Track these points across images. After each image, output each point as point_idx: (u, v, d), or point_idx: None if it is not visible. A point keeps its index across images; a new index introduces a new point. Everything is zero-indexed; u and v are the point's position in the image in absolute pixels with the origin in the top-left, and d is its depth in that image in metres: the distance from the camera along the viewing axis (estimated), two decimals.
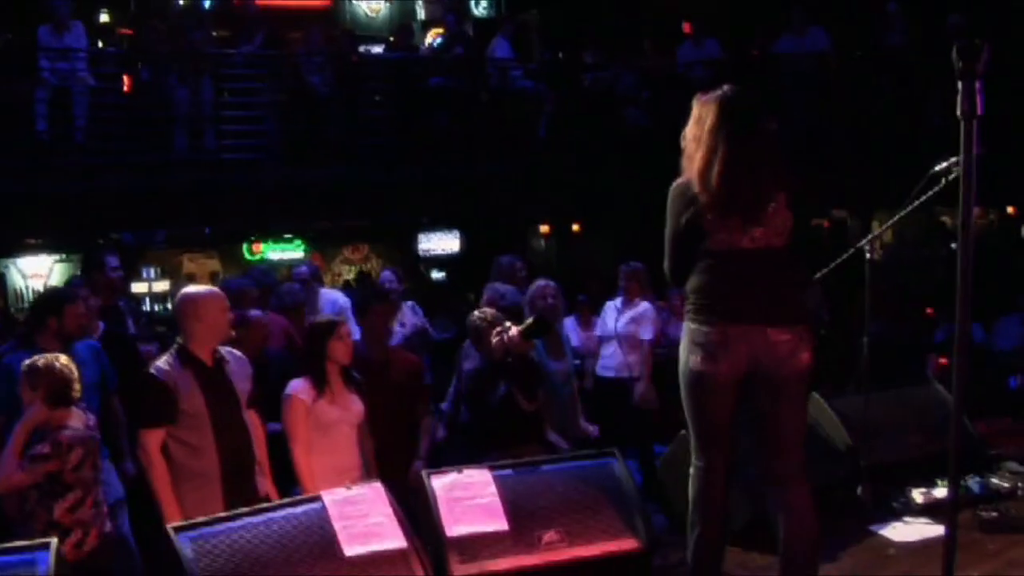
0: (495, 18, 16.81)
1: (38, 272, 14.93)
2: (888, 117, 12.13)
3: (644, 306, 7.79)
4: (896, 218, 4.39)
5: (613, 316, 7.79)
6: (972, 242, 2.64)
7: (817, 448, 5.29)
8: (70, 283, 7.56)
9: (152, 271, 16.47)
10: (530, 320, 5.28)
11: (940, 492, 5.15)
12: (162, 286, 16.27)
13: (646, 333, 7.68)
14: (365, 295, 6.10)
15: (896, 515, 5.04)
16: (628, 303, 7.75)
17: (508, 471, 4.28)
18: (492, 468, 4.24)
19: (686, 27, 14.69)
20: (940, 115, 11.63)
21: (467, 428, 5.59)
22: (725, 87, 3.86)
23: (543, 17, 15.92)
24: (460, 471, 4.19)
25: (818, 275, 4.86)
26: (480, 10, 17.46)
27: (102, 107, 10.28)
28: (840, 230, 17.52)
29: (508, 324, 5.30)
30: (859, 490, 5.18)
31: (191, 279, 16.61)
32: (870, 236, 4.50)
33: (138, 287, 15.79)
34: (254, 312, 6.15)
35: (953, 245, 16.84)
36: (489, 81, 12.28)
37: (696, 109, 3.87)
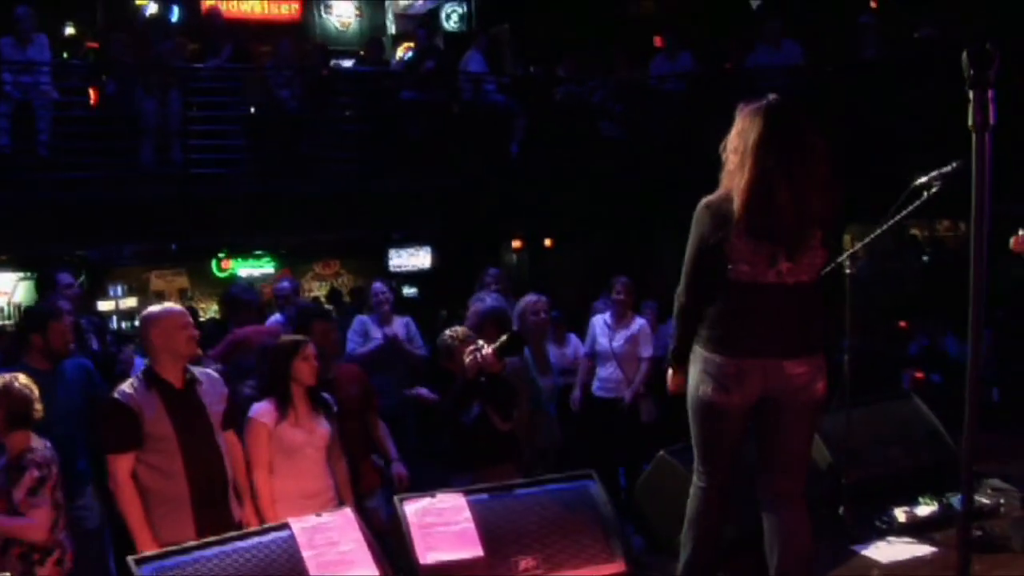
0: (466, 32, 16.75)
1: (3, 289, 14.69)
2: (860, 130, 12.11)
3: (640, 322, 7.72)
4: (877, 232, 4.30)
5: (606, 334, 7.64)
6: (985, 259, 2.53)
7: None
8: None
9: (119, 288, 16.30)
10: (504, 338, 5.15)
11: (923, 510, 5.05)
12: (129, 303, 16.08)
13: (646, 351, 7.62)
14: (305, 313, 5.92)
15: (879, 534, 4.93)
16: (620, 319, 7.61)
17: (483, 495, 4.15)
18: (466, 493, 4.10)
19: (657, 41, 14.68)
20: (911, 128, 11.65)
21: (441, 449, 5.45)
22: (770, 96, 3.68)
23: (515, 32, 15.86)
24: (433, 496, 4.06)
25: None
26: (451, 25, 17.39)
27: (67, 121, 10.09)
28: None
29: (481, 342, 5.18)
30: (841, 510, 5.08)
31: (159, 296, 16.44)
32: (850, 251, 4.39)
33: (105, 305, 15.61)
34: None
35: (925, 258, 16.97)
36: (461, 95, 12.18)
37: (740, 120, 3.68)
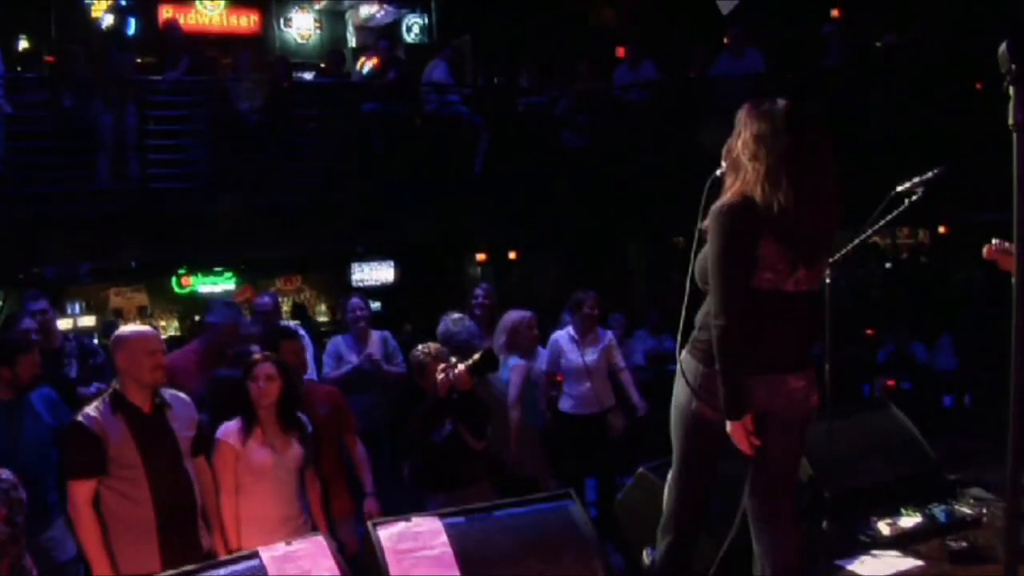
0: (427, 44, 16.64)
1: None
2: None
3: (608, 335, 7.59)
4: (859, 240, 4.21)
5: (575, 350, 7.41)
6: None
7: None
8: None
9: (77, 306, 15.99)
10: (477, 355, 5.00)
11: (906, 521, 4.97)
12: (87, 321, 15.77)
13: (622, 362, 7.60)
14: (273, 332, 5.76)
15: (864, 548, 4.83)
16: (586, 334, 7.45)
17: (459, 518, 3.98)
18: (442, 516, 3.94)
19: (620, 52, 14.63)
20: (876, 135, 11.67)
21: (413, 469, 5.29)
22: (780, 100, 3.54)
23: (477, 43, 15.76)
24: (408, 520, 3.89)
25: None
26: (412, 37, 17.29)
27: (20, 135, 9.83)
28: None
29: (454, 360, 5.04)
30: (824, 523, 4.97)
31: (118, 314, 16.15)
32: (831, 259, 4.28)
33: (62, 323, 15.24)
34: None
35: (888, 265, 17.05)
36: (424, 106, 12.03)
37: (749, 122, 3.52)
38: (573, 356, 7.39)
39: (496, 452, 5.57)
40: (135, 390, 4.34)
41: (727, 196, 3.51)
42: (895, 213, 4.09)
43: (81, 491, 4.23)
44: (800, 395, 3.58)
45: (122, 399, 4.33)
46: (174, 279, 16.56)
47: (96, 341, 9.58)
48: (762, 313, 3.46)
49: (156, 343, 4.42)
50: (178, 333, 15.94)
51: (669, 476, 3.86)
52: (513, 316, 6.64)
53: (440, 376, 4.96)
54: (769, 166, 3.42)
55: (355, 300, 7.54)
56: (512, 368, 6.44)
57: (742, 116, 3.57)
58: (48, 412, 5.11)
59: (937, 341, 11.60)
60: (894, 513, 5.05)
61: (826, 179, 3.48)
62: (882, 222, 4.11)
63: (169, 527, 4.29)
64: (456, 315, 6.28)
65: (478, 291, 7.69)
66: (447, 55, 12.39)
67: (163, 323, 16.38)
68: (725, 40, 12.57)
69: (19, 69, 11.34)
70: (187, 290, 16.74)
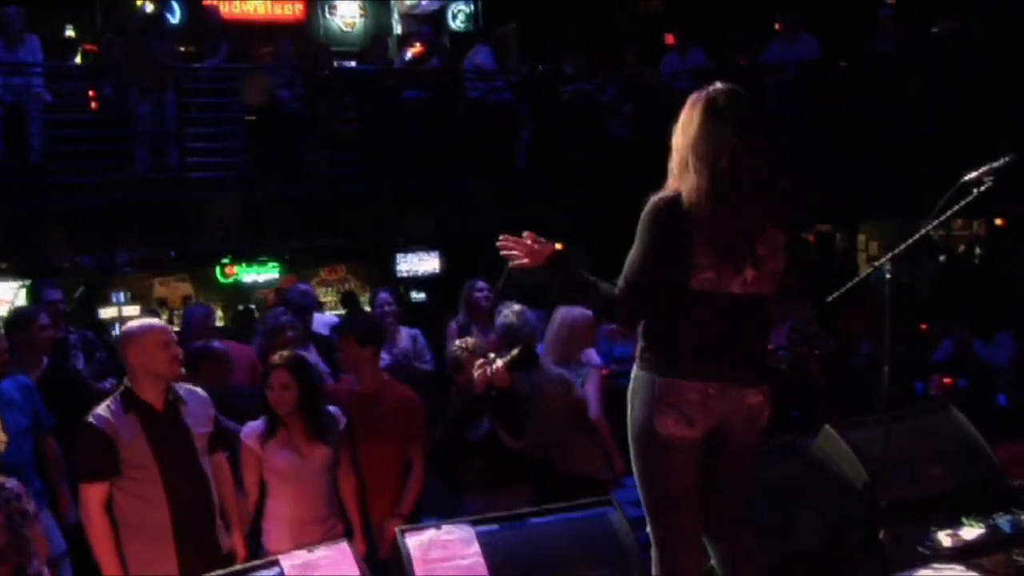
0: (473, 32, 16.43)
1: (3, 298, 14.39)
2: (876, 127, 11.74)
3: None
4: (922, 232, 3.93)
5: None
6: None
7: (831, 486, 4.85)
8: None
9: (122, 295, 16.00)
10: (515, 351, 4.77)
11: (968, 532, 4.67)
12: (132, 311, 15.74)
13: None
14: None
15: (923, 560, 4.56)
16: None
17: (493, 526, 3.76)
18: (475, 523, 3.72)
19: (668, 39, 14.35)
20: (929, 124, 11.31)
21: (447, 467, 5.08)
22: (717, 84, 3.28)
23: (522, 31, 15.54)
24: (439, 527, 3.68)
25: (831, 297, 4.42)
26: (457, 24, 17.09)
27: (60, 124, 9.77)
28: (826, 245, 17.16)
29: (492, 355, 4.82)
30: (880, 534, 4.70)
31: (162, 304, 16.14)
32: (890, 254, 4.02)
33: (107, 312, 15.32)
34: (216, 343, 5.65)
35: (941, 258, 16.60)
36: (467, 91, 11.80)
37: (687, 112, 3.28)
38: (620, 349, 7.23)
39: (543, 449, 5.27)
40: (149, 386, 4.16)
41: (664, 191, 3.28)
42: (963, 203, 3.80)
43: (94, 494, 4.06)
44: (756, 411, 3.31)
45: (134, 397, 4.14)
46: (218, 268, 16.51)
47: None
48: (708, 317, 3.21)
49: (168, 335, 4.25)
50: (221, 323, 15.90)
51: (652, 554, 3.42)
52: (575, 314, 5.88)
53: (478, 372, 4.74)
54: (684, 156, 3.20)
55: (384, 295, 7.33)
56: (588, 376, 5.76)
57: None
58: (23, 401, 4.96)
59: (995, 337, 11.20)
60: (955, 523, 4.76)
61: (754, 173, 3.17)
62: (949, 212, 3.83)
63: (186, 528, 4.12)
64: (516, 307, 5.82)
65: (478, 293, 7.10)
66: (490, 41, 12.14)
67: None
68: (776, 26, 12.24)
69: (66, 59, 11.34)
70: (231, 280, 16.69)
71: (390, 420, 5.03)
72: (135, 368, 4.16)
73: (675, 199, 3.20)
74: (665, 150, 3.39)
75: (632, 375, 3.38)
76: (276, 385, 4.48)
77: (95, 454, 4.05)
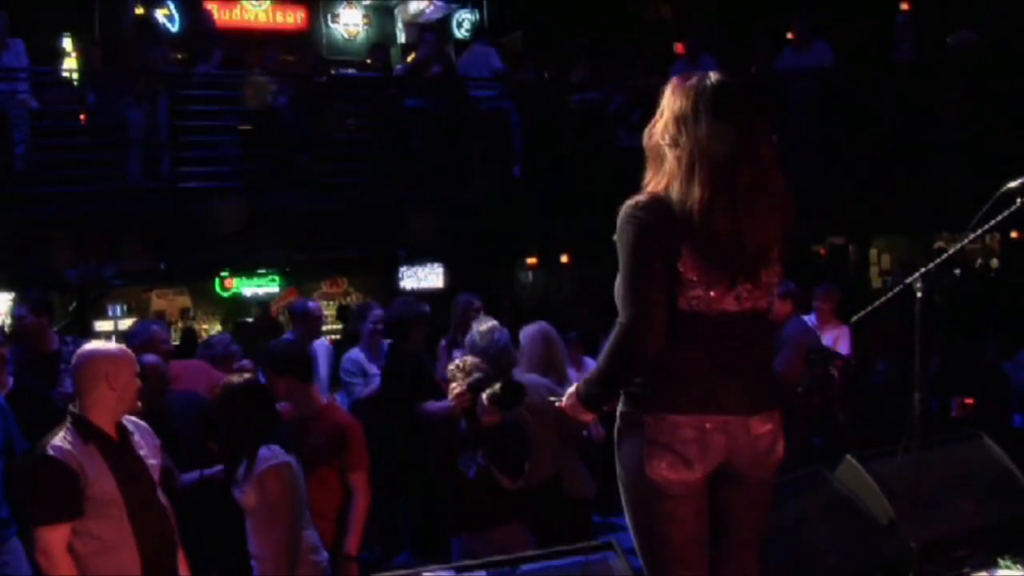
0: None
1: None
2: (892, 138, 11.39)
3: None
4: (959, 246, 3.56)
5: None
6: None
7: (854, 523, 4.49)
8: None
9: (119, 308, 15.73)
10: (497, 387, 4.31)
11: (1005, 574, 4.29)
12: (128, 324, 15.46)
13: None
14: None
15: None
16: None
17: (479, 572, 3.37)
18: (459, 571, 3.34)
19: (679, 48, 14.03)
20: (947, 136, 10.96)
21: (437, 502, 4.69)
22: (711, 73, 2.86)
23: (529, 40, 15.27)
24: (418, 574, 3.30)
25: (855, 317, 4.06)
26: (462, 33, 16.81)
27: (46, 132, 9.45)
28: (839, 257, 16.81)
29: (475, 376, 4.42)
30: (909, 575, 4.31)
31: (160, 317, 15.84)
32: (923, 270, 3.64)
33: (103, 325, 15.05)
34: (148, 357, 5.17)
35: (957, 271, 16.21)
36: (470, 100, 11.46)
37: (672, 99, 2.85)
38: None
39: (551, 469, 4.84)
40: (104, 414, 3.72)
41: (640, 193, 2.86)
42: (1007, 212, 3.42)
43: (55, 538, 3.58)
44: (764, 444, 2.88)
45: (89, 425, 3.69)
46: (217, 281, 16.24)
47: None
48: (700, 339, 2.79)
49: (136, 362, 3.85)
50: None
51: None
52: (530, 330, 5.57)
53: (453, 396, 4.35)
54: (688, 160, 2.76)
55: (377, 311, 6.99)
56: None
57: (667, 92, 2.88)
58: None
59: (1015, 356, 10.80)
60: (990, 564, 4.39)
61: (765, 178, 2.78)
62: (991, 223, 3.46)
63: (154, 573, 3.70)
64: (485, 325, 5.40)
65: (468, 309, 6.96)
66: (488, 40, 11.81)
67: (205, 326, 16.10)
68: (789, 34, 11.91)
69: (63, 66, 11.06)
70: (230, 292, 16.44)
71: (322, 447, 4.60)
72: (106, 395, 3.71)
73: (662, 204, 2.79)
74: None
75: (617, 412, 2.95)
76: None
77: (57, 492, 3.59)
